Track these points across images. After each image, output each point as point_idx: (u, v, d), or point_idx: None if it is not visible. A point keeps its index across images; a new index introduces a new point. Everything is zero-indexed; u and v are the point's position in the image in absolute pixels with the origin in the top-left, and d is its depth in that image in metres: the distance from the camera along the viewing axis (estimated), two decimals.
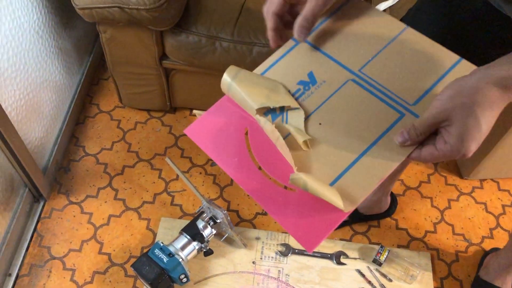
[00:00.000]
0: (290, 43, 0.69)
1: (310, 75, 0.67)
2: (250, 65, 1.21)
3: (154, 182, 1.44)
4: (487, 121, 0.52)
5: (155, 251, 1.19)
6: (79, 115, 1.57)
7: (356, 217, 1.37)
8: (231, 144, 0.64)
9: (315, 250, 1.31)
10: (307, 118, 0.63)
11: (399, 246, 1.35)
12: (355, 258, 1.31)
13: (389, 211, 1.39)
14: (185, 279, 1.18)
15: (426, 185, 1.47)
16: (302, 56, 0.68)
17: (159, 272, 1.14)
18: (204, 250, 1.24)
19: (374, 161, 0.59)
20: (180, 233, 1.23)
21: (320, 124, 0.62)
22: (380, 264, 1.28)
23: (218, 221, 1.24)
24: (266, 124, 0.62)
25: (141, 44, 1.31)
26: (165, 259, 1.17)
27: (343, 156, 0.59)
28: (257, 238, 1.34)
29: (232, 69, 0.66)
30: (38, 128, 1.32)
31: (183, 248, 1.20)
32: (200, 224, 1.23)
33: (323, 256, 1.31)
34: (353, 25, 0.69)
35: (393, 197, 1.41)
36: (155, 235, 1.34)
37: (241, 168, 0.62)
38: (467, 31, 0.84)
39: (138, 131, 1.55)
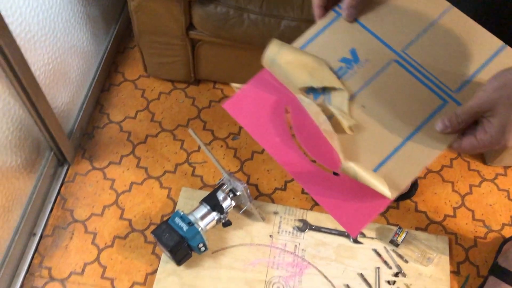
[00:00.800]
0: (331, 15, 0.67)
1: (353, 52, 0.65)
2: (279, 39, 1.20)
3: (176, 153, 1.45)
4: None
5: (175, 219, 1.20)
6: (104, 82, 1.58)
7: None
8: (272, 123, 0.62)
9: (332, 227, 1.32)
10: (350, 99, 0.62)
11: (417, 229, 1.35)
12: (372, 238, 1.32)
13: (410, 194, 1.38)
14: (203, 248, 1.20)
15: (448, 169, 1.46)
16: (344, 31, 0.66)
17: (178, 240, 1.16)
18: (223, 221, 1.25)
19: (417, 148, 0.58)
20: (200, 203, 1.24)
21: (363, 106, 0.61)
22: (397, 245, 1.28)
23: (237, 193, 1.26)
24: (310, 105, 0.60)
25: (168, 14, 1.31)
26: (184, 227, 1.19)
27: (387, 142, 0.59)
28: (275, 213, 1.35)
29: (275, 44, 0.64)
30: (65, 93, 1.34)
31: (202, 218, 1.22)
32: (220, 195, 1.25)
33: (340, 233, 1.31)
34: (397, 0, 0.67)
35: (415, 180, 1.40)
36: (175, 204, 1.36)
37: (283, 149, 0.61)
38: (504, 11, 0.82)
39: (162, 101, 1.56)
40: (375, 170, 0.57)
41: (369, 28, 0.66)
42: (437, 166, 1.46)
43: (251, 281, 1.24)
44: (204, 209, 1.23)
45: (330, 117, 0.60)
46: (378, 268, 1.27)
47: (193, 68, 1.52)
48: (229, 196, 1.25)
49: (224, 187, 1.27)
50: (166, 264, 1.24)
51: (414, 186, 1.39)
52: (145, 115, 1.52)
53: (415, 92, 0.61)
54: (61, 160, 1.39)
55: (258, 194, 1.40)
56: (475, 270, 1.29)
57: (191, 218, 1.21)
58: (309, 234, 1.31)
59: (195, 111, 1.54)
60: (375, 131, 0.60)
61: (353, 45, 0.65)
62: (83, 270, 1.24)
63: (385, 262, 1.27)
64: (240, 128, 1.51)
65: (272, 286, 1.24)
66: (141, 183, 1.39)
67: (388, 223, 1.36)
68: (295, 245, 1.30)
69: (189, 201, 1.35)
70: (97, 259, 1.26)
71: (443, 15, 0.65)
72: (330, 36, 0.66)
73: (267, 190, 1.41)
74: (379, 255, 1.29)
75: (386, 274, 1.26)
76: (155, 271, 1.24)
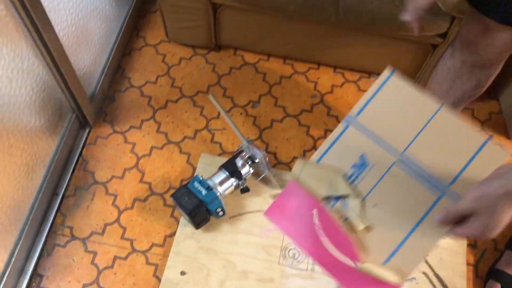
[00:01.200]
0: (340, 127, 0.81)
1: (362, 157, 0.77)
2: (300, 6, 1.18)
3: (195, 119, 1.46)
4: (506, 216, 0.64)
5: (194, 183, 1.22)
6: (126, 46, 1.58)
7: None
8: (305, 226, 0.78)
9: None
10: (362, 200, 0.75)
11: None
12: None
13: None
14: (221, 213, 1.22)
15: None
16: (353, 139, 0.78)
17: (197, 204, 1.18)
18: (241, 187, 1.27)
19: (420, 239, 0.69)
20: (219, 169, 1.25)
21: (374, 205, 0.74)
22: None
23: (256, 161, 1.26)
24: (332, 212, 0.76)
25: None
26: (203, 191, 1.20)
27: (394, 236, 0.71)
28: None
29: (298, 163, 0.81)
30: (87, 56, 1.34)
31: (221, 183, 1.23)
32: (239, 162, 1.26)
33: None
34: (396, 104, 0.78)
35: None
36: (194, 169, 1.37)
37: (315, 247, 0.76)
38: None
39: (182, 67, 1.55)
40: (385, 262, 0.70)
41: (375, 132, 0.77)
42: None
43: (268, 246, 1.25)
44: (223, 174, 1.24)
45: (346, 219, 0.75)
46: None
47: (215, 34, 1.50)
48: (247, 163, 1.26)
49: (243, 154, 1.28)
50: (185, 227, 1.27)
51: None
52: (165, 80, 1.52)
53: (415, 190, 0.73)
54: (82, 123, 1.41)
55: (276, 162, 1.40)
56: (493, 244, 1.29)
57: (210, 183, 1.22)
58: None
59: (215, 78, 1.54)
60: (384, 227, 0.72)
61: (362, 150, 0.77)
62: (103, 231, 1.27)
63: None
64: (260, 95, 1.51)
65: (288, 252, 1.25)
66: (161, 148, 1.40)
67: None
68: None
69: (208, 167, 1.36)
70: (117, 220, 1.29)
71: (435, 114, 0.76)
72: (342, 146, 0.79)
73: (285, 158, 1.41)
74: None
75: None
76: (174, 233, 1.26)
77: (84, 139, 1.40)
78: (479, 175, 0.69)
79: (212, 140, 1.43)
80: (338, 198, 0.77)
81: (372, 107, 0.79)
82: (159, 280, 1.21)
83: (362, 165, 0.77)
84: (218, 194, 1.21)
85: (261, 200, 1.32)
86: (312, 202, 0.79)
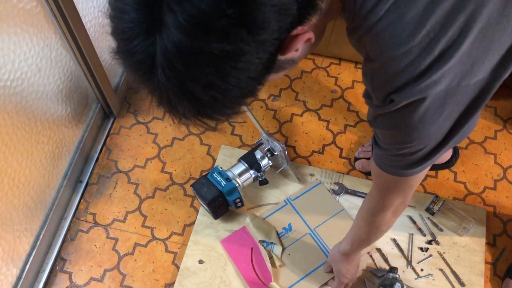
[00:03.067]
0: (282, 203, 1.32)
1: (289, 225, 1.29)
2: None
3: None
4: (350, 266, 1.12)
5: (214, 174, 1.24)
6: None
7: None
8: (244, 255, 1.24)
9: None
10: (283, 249, 1.25)
11: (454, 199, 1.34)
12: (408, 205, 1.32)
13: (450, 163, 1.37)
14: (239, 204, 1.24)
15: (492, 141, 1.43)
16: (288, 213, 1.30)
17: (216, 194, 1.20)
18: (260, 179, 1.28)
19: (313, 278, 1.21)
20: (239, 161, 1.27)
21: (289, 254, 1.25)
22: (432, 213, 1.28)
23: (275, 153, 1.28)
24: (263, 250, 1.24)
25: None
26: (222, 182, 1.22)
27: (297, 274, 1.21)
28: (311, 175, 1.36)
29: (251, 216, 1.28)
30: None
31: (240, 174, 1.25)
32: (258, 154, 1.27)
33: None
34: (317, 201, 1.32)
35: (455, 150, 1.38)
36: (214, 160, 1.39)
37: (247, 270, 1.22)
38: None
39: None
40: (289, 287, 1.20)
41: (301, 214, 1.30)
42: (480, 137, 1.43)
43: None
44: (242, 166, 1.26)
45: (271, 258, 1.24)
46: (412, 234, 1.27)
47: None
48: (266, 155, 1.27)
49: (263, 147, 1.29)
50: (203, 217, 1.29)
51: (455, 155, 1.37)
52: None
53: (315, 252, 1.25)
54: (107, 113, 1.44)
55: (295, 156, 1.41)
56: None
57: (229, 174, 1.24)
58: (344, 197, 1.33)
59: None
60: (292, 267, 1.22)
61: (290, 220, 1.29)
62: (125, 218, 1.31)
63: (419, 229, 1.28)
64: (281, 89, 1.52)
65: None
66: (182, 139, 1.43)
67: (425, 192, 1.35)
68: None
69: (227, 159, 1.38)
70: (139, 208, 1.32)
71: (337, 213, 1.31)
72: (280, 214, 1.30)
73: (304, 152, 1.42)
74: (413, 222, 1.29)
75: (420, 241, 1.26)
76: (193, 223, 1.29)
77: (108, 128, 1.44)
78: None
79: (232, 133, 1.45)
80: (269, 243, 1.25)
81: (304, 198, 1.33)
82: (178, 267, 1.24)
83: (288, 229, 1.28)
84: (237, 185, 1.23)
85: (279, 192, 1.33)
86: (252, 242, 1.26)
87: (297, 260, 1.23)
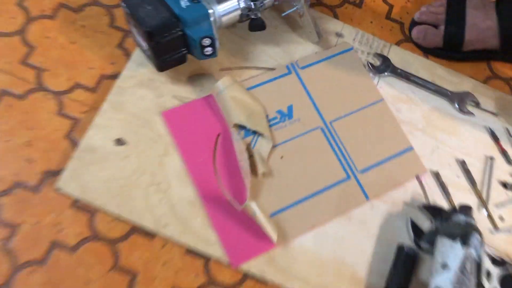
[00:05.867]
0: (283, 69, 0.74)
1: (289, 108, 0.72)
2: None
3: None
4: None
5: None
6: None
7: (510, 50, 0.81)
8: (201, 143, 0.67)
9: (429, 78, 0.77)
10: (273, 147, 0.69)
11: None
12: (488, 111, 0.78)
13: None
14: (209, 50, 0.66)
15: None
16: (289, 87, 0.73)
17: (168, 19, 0.62)
18: (253, 17, 0.70)
19: (311, 209, 0.66)
20: None
21: (281, 157, 0.68)
22: None
23: None
24: (238, 142, 0.67)
25: None
26: (183, 3, 0.64)
27: (289, 194, 0.66)
28: (338, 35, 0.79)
29: (228, 78, 0.69)
30: None
31: (219, 0, 0.67)
32: None
33: (440, 92, 0.78)
34: (341, 77, 0.75)
35: None
36: None
37: (202, 169, 0.65)
38: None
39: None
40: (272, 215, 0.65)
41: (310, 94, 0.73)
42: None
43: None
44: None
45: (250, 157, 0.66)
46: (491, 158, 0.75)
47: None
48: None
49: None
50: (138, 66, 0.71)
51: None
52: None
53: (327, 160, 0.69)
54: None
55: (315, 2, 0.83)
56: None
57: None
58: (388, 79, 0.77)
59: None
60: (282, 181, 0.67)
61: (292, 101, 0.72)
62: None
63: (504, 153, 0.75)
64: None
65: None
66: None
67: None
68: None
69: None
70: (21, 31, 0.72)
71: (373, 104, 0.73)
72: (276, 87, 0.72)
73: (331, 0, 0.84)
74: (496, 138, 0.76)
75: (502, 171, 0.74)
76: (117, 74, 0.71)
77: None
78: (388, 177, 0.69)
79: None
80: (250, 132, 0.69)
81: (319, 68, 0.75)
82: (75, 145, 0.66)
83: (286, 115, 0.71)
84: (210, 11, 0.65)
85: (279, 52, 0.76)
86: (221, 123, 0.69)
87: (293, 170, 0.68)
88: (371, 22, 0.83)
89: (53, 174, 0.64)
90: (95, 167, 0.64)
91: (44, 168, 0.65)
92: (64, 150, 0.66)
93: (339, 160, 0.70)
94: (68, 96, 0.69)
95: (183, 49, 0.67)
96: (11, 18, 0.72)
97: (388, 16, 0.84)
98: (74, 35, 0.73)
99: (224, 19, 0.69)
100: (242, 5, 0.69)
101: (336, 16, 0.82)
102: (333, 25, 0.80)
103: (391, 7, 0.85)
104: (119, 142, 0.66)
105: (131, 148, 0.66)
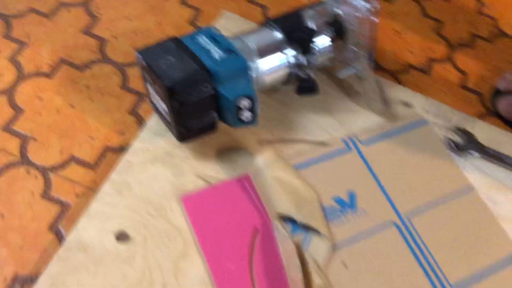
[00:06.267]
0: (340, 144, 0.57)
1: (351, 195, 0.54)
2: None
3: None
4: None
5: (198, 37, 0.51)
6: None
7: None
8: (233, 240, 0.49)
9: None
10: (332, 249, 0.50)
11: None
12: None
13: None
14: (248, 115, 0.50)
15: None
16: (349, 168, 0.56)
17: (194, 71, 0.47)
18: (303, 77, 0.55)
19: None
20: (266, 24, 0.54)
21: (345, 266, 0.49)
22: None
23: (350, 29, 0.55)
24: (285, 241, 0.48)
25: None
26: (216, 53, 0.49)
27: None
28: (407, 105, 0.63)
29: (269, 154, 0.53)
30: None
31: (263, 51, 0.52)
32: (311, 17, 0.55)
33: None
34: (416, 158, 0.58)
35: None
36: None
37: (233, 279, 0.46)
38: None
39: None
40: None
41: (378, 178, 0.55)
42: None
43: None
44: (270, 34, 0.53)
45: (302, 264, 0.47)
46: None
47: None
48: (328, 29, 0.55)
49: (320, 8, 0.57)
50: (154, 137, 0.55)
51: None
52: None
53: (408, 271, 0.50)
54: None
55: (374, 66, 0.69)
56: None
57: (237, 44, 0.51)
58: (475, 162, 0.60)
59: None
60: None
61: (354, 187, 0.54)
62: None
63: None
64: None
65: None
66: None
67: None
68: None
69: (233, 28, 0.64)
70: (12, 88, 0.57)
71: (463, 195, 0.56)
72: (332, 167, 0.56)
73: (391, 64, 0.69)
74: None
75: None
76: (125, 146, 0.54)
77: None
78: None
79: None
80: (303, 228, 0.50)
81: (387, 145, 0.58)
82: (61, 238, 0.48)
83: (348, 205, 0.53)
84: (251, 65, 0.50)
85: (334, 123, 0.60)
86: (258, 215, 0.51)
87: (361, 285, 0.48)
88: (444, 92, 0.67)
89: (24, 282, 0.45)
90: (85, 272, 0.45)
91: (12, 273, 0.46)
92: (45, 246, 0.48)
93: (424, 270, 0.50)
94: (58, 173, 0.52)
95: (213, 113, 0.50)
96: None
97: (463, 85, 0.69)
98: (75, 97, 0.58)
99: (268, 78, 0.53)
100: (292, 60, 0.54)
101: (398, 81, 0.67)
102: (399, 92, 0.64)
103: (465, 74, 0.70)
104: (122, 237, 0.48)
105: (137, 247, 0.47)
